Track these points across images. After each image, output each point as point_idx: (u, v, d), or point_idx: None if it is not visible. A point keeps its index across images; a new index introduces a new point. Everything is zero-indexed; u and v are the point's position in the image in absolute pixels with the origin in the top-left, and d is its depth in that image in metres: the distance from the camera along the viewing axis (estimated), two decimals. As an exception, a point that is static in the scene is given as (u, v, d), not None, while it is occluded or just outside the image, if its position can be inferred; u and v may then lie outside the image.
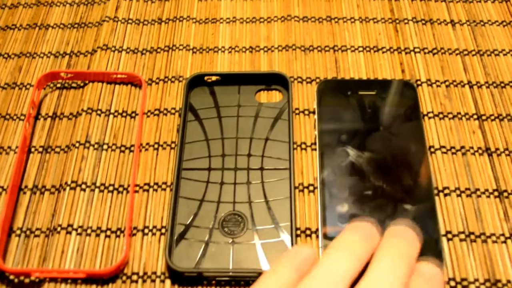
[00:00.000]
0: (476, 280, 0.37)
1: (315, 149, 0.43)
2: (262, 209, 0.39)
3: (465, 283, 0.37)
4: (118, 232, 0.39)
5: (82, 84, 0.47)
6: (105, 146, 0.43)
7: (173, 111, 0.45)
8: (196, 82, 0.46)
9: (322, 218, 0.38)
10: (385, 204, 0.38)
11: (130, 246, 0.38)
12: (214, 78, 0.46)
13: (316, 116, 0.43)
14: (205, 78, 0.46)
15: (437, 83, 0.47)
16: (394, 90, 0.45)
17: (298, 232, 0.39)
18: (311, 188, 0.41)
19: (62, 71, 0.46)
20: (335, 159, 0.41)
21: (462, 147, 0.43)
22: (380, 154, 0.41)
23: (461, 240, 0.39)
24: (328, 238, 0.37)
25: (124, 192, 0.41)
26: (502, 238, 0.39)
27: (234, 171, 0.41)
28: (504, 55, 0.48)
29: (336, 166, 0.41)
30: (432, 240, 0.38)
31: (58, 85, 0.47)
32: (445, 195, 0.40)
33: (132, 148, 0.43)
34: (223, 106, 0.45)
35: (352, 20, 0.51)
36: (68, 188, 0.41)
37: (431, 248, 0.37)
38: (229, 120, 0.44)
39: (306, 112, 0.45)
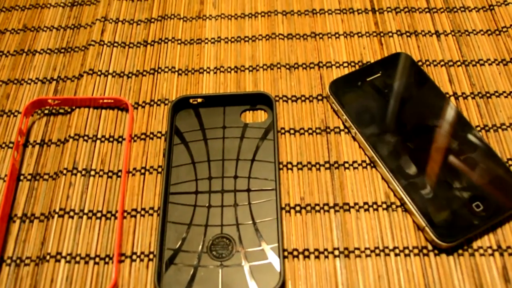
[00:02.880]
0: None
1: (353, 138, 0.44)
2: (249, 231, 0.39)
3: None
4: (107, 259, 0.39)
5: (69, 110, 0.47)
6: (92, 172, 0.43)
7: (159, 134, 0.45)
8: (181, 105, 0.46)
9: (403, 187, 0.40)
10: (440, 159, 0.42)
11: (119, 272, 0.39)
12: (199, 100, 0.46)
13: (345, 117, 0.44)
14: (190, 100, 0.46)
15: (423, 96, 0.47)
16: (393, 65, 0.47)
17: (286, 253, 0.39)
18: (297, 208, 0.41)
19: (49, 98, 0.46)
20: (383, 145, 0.42)
21: (449, 160, 0.43)
22: (416, 122, 0.44)
23: (448, 254, 0.39)
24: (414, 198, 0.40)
25: (112, 218, 0.41)
26: (490, 251, 0.39)
27: (221, 194, 0.41)
28: (489, 64, 0.49)
29: (389, 148, 0.42)
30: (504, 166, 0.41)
31: (46, 112, 0.47)
32: (432, 210, 0.41)
33: (119, 174, 0.43)
34: (209, 128, 0.45)
35: (337, 35, 0.51)
36: (56, 215, 0.41)
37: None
38: (215, 142, 0.44)
39: (292, 131, 0.45)
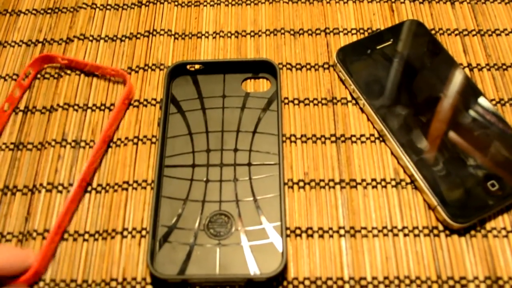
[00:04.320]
0: (476, 278, 0.35)
1: (361, 110, 0.41)
2: (250, 208, 0.37)
3: (464, 281, 0.35)
4: (97, 235, 0.37)
5: (56, 76, 0.44)
6: (82, 143, 0.40)
7: (153, 102, 0.42)
8: (178, 71, 0.43)
9: (414, 163, 0.38)
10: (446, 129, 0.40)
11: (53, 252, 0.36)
12: (197, 66, 0.43)
13: (353, 87, 0.42)
14: (188, 66, 0.43)
15: (436, 67, 0.44)
16: (405, 32, 0.45)
17: (288, 232, 0.37)
18: (301, 184, 0.39)
19: (59, 56, 0.43)
20: (393, 118, 0.40)
21: (462, 135, 0.41)
22: (428, 93, 0.41)
23: (460, 235, 0.37)
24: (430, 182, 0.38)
25: (103, 191, 0.39)
26: (504, 232, 0.37)
27: (220, 168, 0.39)
28: (506, 35, 0.46)
29: (400, 121, 0.40)
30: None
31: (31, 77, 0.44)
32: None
33: (111, 144, 0.40)
34: (208, 97, 0.42)
35: (345, 0, 0.48)
36: (44, 190, 0.38)
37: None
38: (214, 112, 0.41)
39: (296, 102, 0.42)
